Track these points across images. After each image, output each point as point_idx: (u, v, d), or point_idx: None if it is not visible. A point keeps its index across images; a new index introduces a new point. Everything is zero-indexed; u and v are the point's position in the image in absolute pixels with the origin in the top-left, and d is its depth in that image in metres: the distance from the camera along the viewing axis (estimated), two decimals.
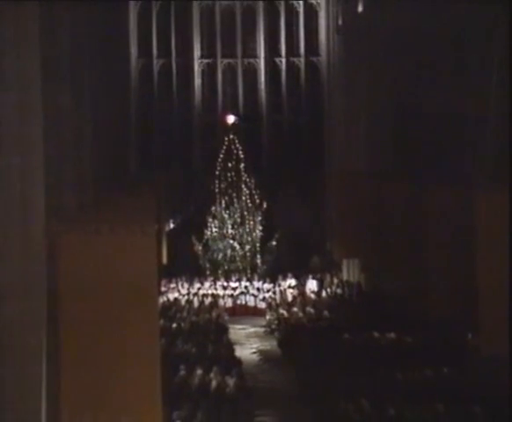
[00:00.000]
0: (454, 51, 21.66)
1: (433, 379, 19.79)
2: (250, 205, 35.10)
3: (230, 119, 36.81)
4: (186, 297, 30.73)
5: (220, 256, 34.59)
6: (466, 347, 20.36)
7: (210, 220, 34.95)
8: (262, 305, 30.52)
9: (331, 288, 31.72)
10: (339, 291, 31.46)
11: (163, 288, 29.67)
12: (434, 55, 23.27)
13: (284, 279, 32.47)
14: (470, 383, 19.01)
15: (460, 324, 19.91)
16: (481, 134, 19.91)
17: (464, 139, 21.09)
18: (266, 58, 40.48)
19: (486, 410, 17.39)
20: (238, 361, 22.99)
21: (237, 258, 34.54)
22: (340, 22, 37.61)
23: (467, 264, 17.77)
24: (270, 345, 26.53)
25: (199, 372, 20.72)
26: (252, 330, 28.38)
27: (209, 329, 26.35)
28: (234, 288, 31.96)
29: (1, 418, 9.81)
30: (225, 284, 32.43)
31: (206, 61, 40.55)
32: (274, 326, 27.89)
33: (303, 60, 40.61)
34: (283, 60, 40.65)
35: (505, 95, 18.72)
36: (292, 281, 32.27)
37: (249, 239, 34.81)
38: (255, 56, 40.56)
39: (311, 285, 31.89)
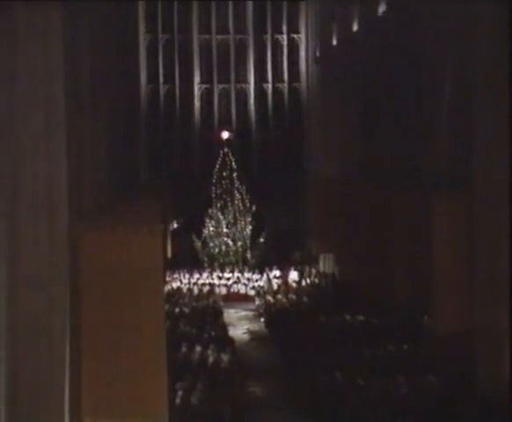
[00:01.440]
0: (411, 77, 21.79)
1: (395, 354, 19.91)
2: (241, 208, 35.14)
3: (225, 134, 36.86)
4: (187, 286, 30.75)
5: (216, 251, 34.59)
6: (422, 327, 20.45)
7: (208, 220, 34.97)
8: (252, 292, 30.53)
9: (310, 278, 31.80)
10: (316, 281, 31.54)
11: (167, 278, 29.67)
12: (395, 80, 23.41)
13: (270, 270, 32.51)
14: (425, 357, 19.14)
15: (418, 308, 19.96)
16: (436, 147, 20.00)
17: (422, 151, 21.17)
18: (255, 83, 40.55)
19: (438, 378, 17.59)
20: (231, 340, 23.01)
21: (231, 253, 34.55)
22: (317, 54, 37.73)
23: (424, 257, 17.83)
24: (258, 326, 26.52)
25: (198, 349, 20.74)
26: (243, 313, 28.34)
27: (207, 313, 26.36)
28: (228, 278, 31.97)
29: (31, 390, 9.77)
30: (220, 275, 32.43)
31: (204, 86, 40.57)
32: (261, 310, 27.91)
33: (286, 85, 40.73)
34: (270, 85, 40.72)
35: (455, 112, 18.79)
36: (277, 272, 32.31)
37: (241, 237, 34.84)
38: (246, 82, 40.62)
39: (293, 275, 31.95)
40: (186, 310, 26.33)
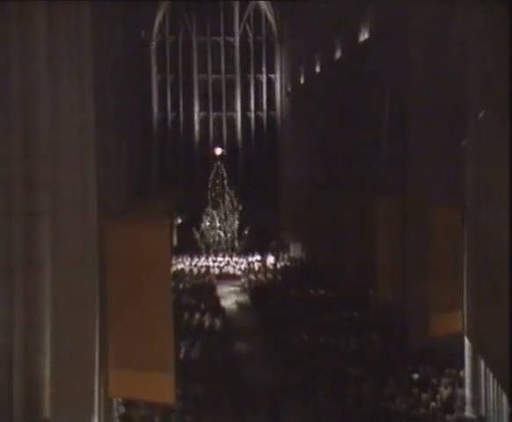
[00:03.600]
0: (359, 107, 21.96)
1: (347, 318, 20.07)
2: (231, 207, 35.18)
3: (218, 151, 36.84)
4: (188, 267, 30.78)
5: (211, 240, 34.61)
6: (368, 298, 20.63)
7: (204, 217, 34.98)
8: (238, 272, 30.59)
9: (283, 262, 31.96)
10: (288, 264, 31.69)
11: (173, 262, 29.67)
12: (347, 110, 23.61)
13: (253, 255, 32.63)
14: (370, 321, 19.33)
15: (365, 284, 20.12)
16: (380, 162, 20.16)
17: (370, 164, 21.31)
18: (241, 112, 40.59)
19: (380, 337, 17.79)
20: (223, 309, 23.07)
21: (222, 242, 34.62)
22: (288, 89, 37.90)
23: (369, 245, 17.95)
24: (244, 298, 26.48)
25: (197, 316, 20.81)
26: (232, 289, 28.28)
27: (204, 288, 26.42)
28: (220, 262, 32.04)
29: (69, 348, 9.69)
30: (214, 259, 32.49)
31: (202, 113, 40.53)
32: (246, 286, 28.00)
33: (265, 113, 40.81)
34: (252, 113, 40.77)
35: (394, 135, 18.95)
36: (258, 257, 32.43)
37: (230, 230, 34.88)
38: (234, 111, 40.62)
39: (270, 259, 32.08)
40: (188, 286, 26.38)
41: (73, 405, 9.89)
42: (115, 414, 13.30)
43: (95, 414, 11.07)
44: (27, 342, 8.29)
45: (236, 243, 34.62)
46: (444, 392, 13.93)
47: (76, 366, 10.11)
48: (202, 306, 22.43)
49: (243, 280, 29.06)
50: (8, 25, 8.03)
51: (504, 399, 12.15)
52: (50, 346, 8.67)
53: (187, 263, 31.55)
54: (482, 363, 12.98)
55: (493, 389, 12.57)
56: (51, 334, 8.72)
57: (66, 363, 9.37)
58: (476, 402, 13.13)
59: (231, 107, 40.62)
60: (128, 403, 13.51)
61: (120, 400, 13.48)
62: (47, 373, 8.55)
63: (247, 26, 40.20)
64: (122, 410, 13.56)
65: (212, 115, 40.53)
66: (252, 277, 28.67)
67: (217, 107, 40.48)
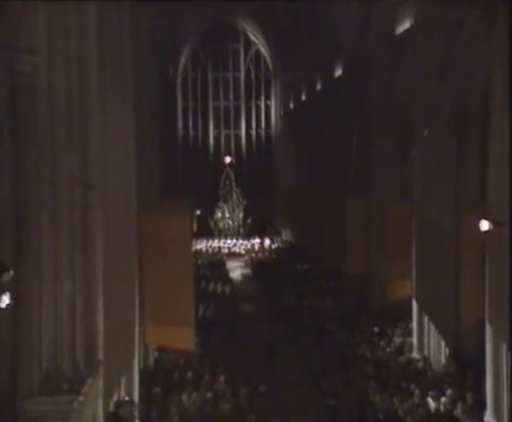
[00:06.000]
0: (336, 126, 21.94)
1: (325, 286, 20.16)
2: (237, 202, 35.33)
3: (227, 160, 36.91)
4: (205, 248, 30.86)
5: (222, 227, 34.80)
6: (341, 271, 20.68)
7: (217, 209, 35.13)
8: (243, 252, 30.68)
9: (277, 243, 32.05)
10: (280, 245, 31.78)
11: (193, 243, 29.65)
12: (327, 128, 23.61)
13: (254, 238, 32.71)
14: (342, 288, 19.42)
15: (338, 259, 20.16)
16: (351, 168, 20.18)
17: (343, 170, 21.23)
18: (245, 130, 40.57)
19: (349, 300, 17.88)
20: (231, 279, 23.17)
21: (231, 229, 34.78)
22: (281, 113, 37.91)
23: (342, 229, 17.87)
24: (247, 271, 26.51)
25: (211, 285, 20.89)
26: (238, 264, 28.25)
27: (216, 263, 26.50)
28: (229, 244, 32.16)
29: (116, 308, 9.71)
30: (224, 241, 32.59)
31: (215, 131, 40.49)
32: (248, 262, 28.08)
33: (263, 131, 40.80)
34: (254, 131, 40.75)
35: (361, 148, 18.90)
36: (258, 240, 32.51)
37: (236, 219, 35.01)
38: (240, 129, 40.60)
39: (267, 241, 32.16)
40: (205, 262, 26.48)
41: (120, 351, 10.05)
42: (151, 357, 13.47)
43: (136, 357, 11.24)
44: (86, 303, 8.45)
45: (241, 230, 34.74)
46: (397, 340, 14.10)
47: (122, 321, 10.25)
48: (215, 277, 22.53)
49: (246, 257, 29.15)
50: (70, 62, 8.07)
51: (442, 344, 12.33)
52: (103, 307, 8.84)
53: (204, 244, 31.63)
54: (426, 318, 13.14)
55: (434, 337, 12.76)
56: (103, 297, 8.88)
57: (114, 319, 9.52)
58: (421, 346, 13.31)
59: (238, 126, 40.56)
60: (160, 350, 13.65)
61: (154, 347, 13.63)
62: (100, 326, 8.73)
63: (250, 65, 40.21)
64: (156, 354, 13.73)
65: (223, 132, 40.51)
66: (253, 255, 28.78)
67: (227, 126, 40.44)
